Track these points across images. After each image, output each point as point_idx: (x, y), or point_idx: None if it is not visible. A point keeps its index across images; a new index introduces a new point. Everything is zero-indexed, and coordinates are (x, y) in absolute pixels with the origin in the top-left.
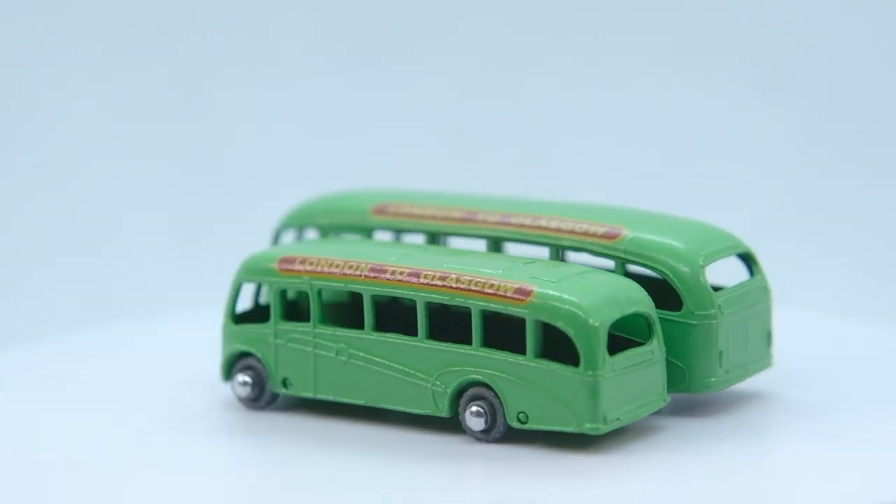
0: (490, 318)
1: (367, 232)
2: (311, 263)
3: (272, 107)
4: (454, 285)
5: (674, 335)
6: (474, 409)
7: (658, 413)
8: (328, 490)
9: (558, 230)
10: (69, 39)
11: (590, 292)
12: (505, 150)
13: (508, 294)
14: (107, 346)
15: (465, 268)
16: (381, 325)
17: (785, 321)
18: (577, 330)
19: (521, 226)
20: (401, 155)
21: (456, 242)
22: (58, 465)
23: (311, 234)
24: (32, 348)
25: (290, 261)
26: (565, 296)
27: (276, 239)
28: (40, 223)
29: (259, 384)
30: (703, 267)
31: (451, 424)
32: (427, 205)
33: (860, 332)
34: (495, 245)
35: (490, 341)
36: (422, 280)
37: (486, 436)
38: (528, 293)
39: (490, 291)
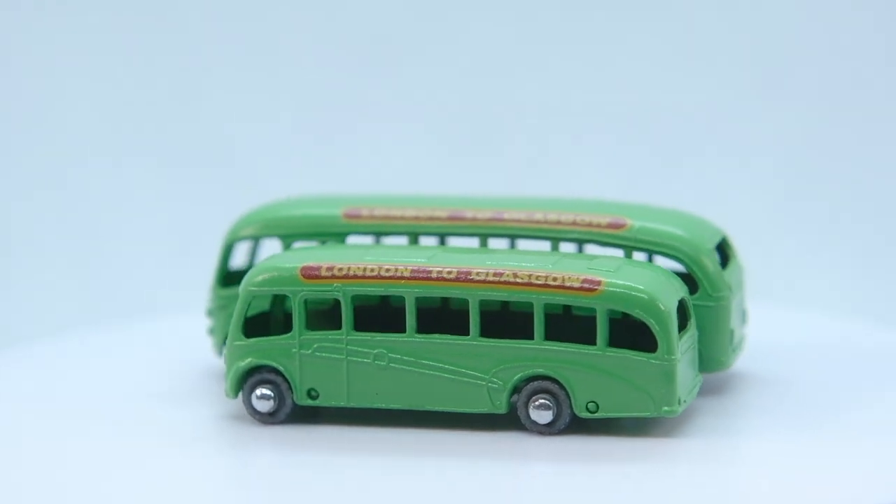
0: (510, 312)
1: (340, 238)
2: (339, 270)
3: (271, 108)
4: (512, 281)
5: None
6: (540, 402)
7: None
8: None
9: (558, 223)
10: (68, 39)
11: (651, 280)
12: (492, 153)
13: (576, 286)
14: (97, 349)
15: (515, 264)
16: (381, 327)
17: (780, 318)
18: (654, 316)
19: (517, 221)
20: (397, 158)
21: (448, 241)
22: (47, 473)
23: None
24: (22, 351)
25: (315, 269)
26: (635, 284)
27: (229, 251)
28: (33, 223)
29: (279, 397)
30: (711, 250)
31: (475, 421)
32: (405, 206)
33: (854, 329)
34: (486, 243)
35: (518, 334)
36: (474, 279)
37: (551, 428)
38: (597, 283)
39: (555, 284)
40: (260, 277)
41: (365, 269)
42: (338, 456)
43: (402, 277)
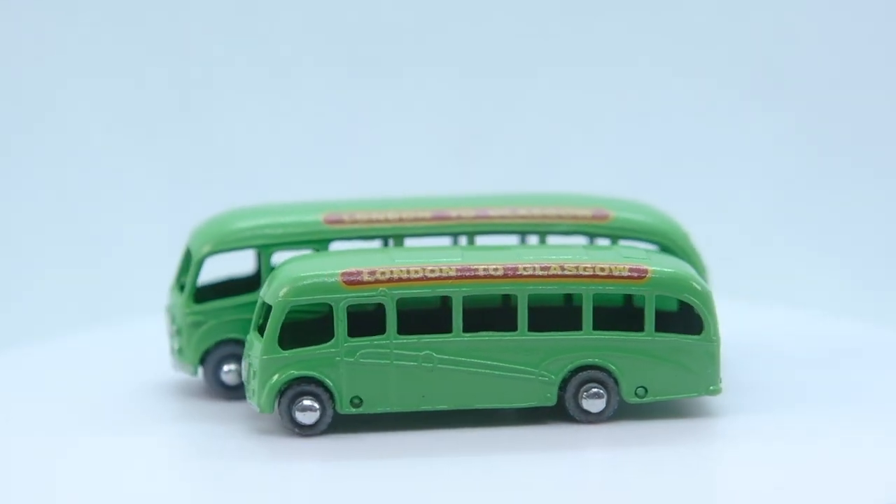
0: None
1: (323, 245)
2: (382, 274)
3: (270, 111)
4: (560, 273)
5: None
6: (594, 390)
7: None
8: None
9: (544, 217)
10: (67, 39)
11: (683, 266)
12: (483, 154)
13: (624, 274)
14: (100, 350)
15: (555, 257)
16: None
17: (776, 318)
18: (700, 299)
19: (503, 217)
20: (394, 160)
21: (429, 243)
22: (67, 484)
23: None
24: (22, 351)
25: (356, 274)
26: (678, 269)
27: (201, 265)
28: (27, 223)
29: (322, 408)
30: (687, 235)
31: (501, 417)
32: (384, 209)
33: (851, 329)
34: (473, 240)
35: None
36: (522, 274)
37: (601, 416)
38: (644, 271)
39: (603, 275)
40: (297, 288)
41: (409, 272)
42: (383, 459)
43: (448, 277)
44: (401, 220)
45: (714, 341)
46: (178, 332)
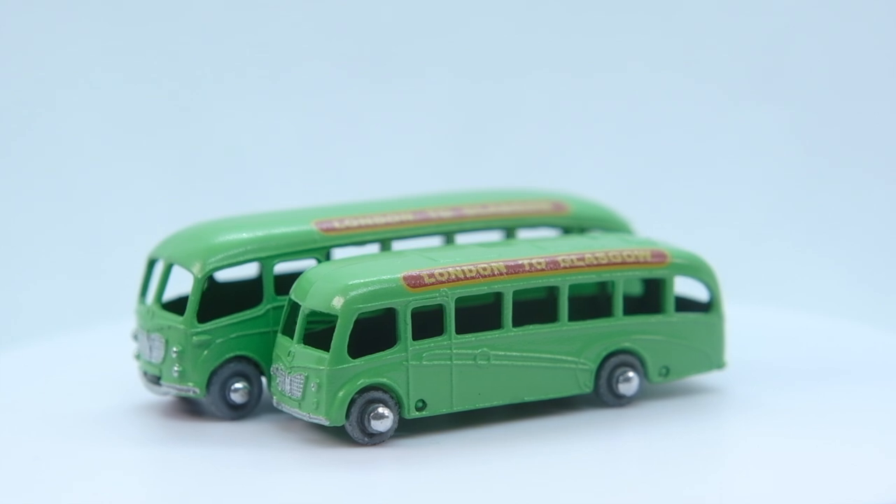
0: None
1: (322, 253)
2: (441, 275)
3: (270, 113)
4: (595, 262)
5: None
6: (628, 374)
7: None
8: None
9: (513, 214)
10: (68, 41)
11: (685, 248)
12: (484, 155)
13: (649, 259)
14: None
15: (579, 248)
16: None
17: (774, 318)
18: (711, 279)
19: (477, 216)
20: (393, 160)
21: (418, 243)
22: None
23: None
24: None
25: (418, 277)
26: (689, 253)
27: (203, 282)
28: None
29: (392, 415)
30: (628, 222)
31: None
32: (372, 213)
33: (843, 331)
34: (453, 239)
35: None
36: (562, 265)
37: (631, 399)
38: (664, 255)
39: (631, 261)
40: (362, 296)
41: (465, 271)
42: (443, 459)
43: (500, 274)
44: (387, 224)
45: (721, 318)
46: (179, 355)
